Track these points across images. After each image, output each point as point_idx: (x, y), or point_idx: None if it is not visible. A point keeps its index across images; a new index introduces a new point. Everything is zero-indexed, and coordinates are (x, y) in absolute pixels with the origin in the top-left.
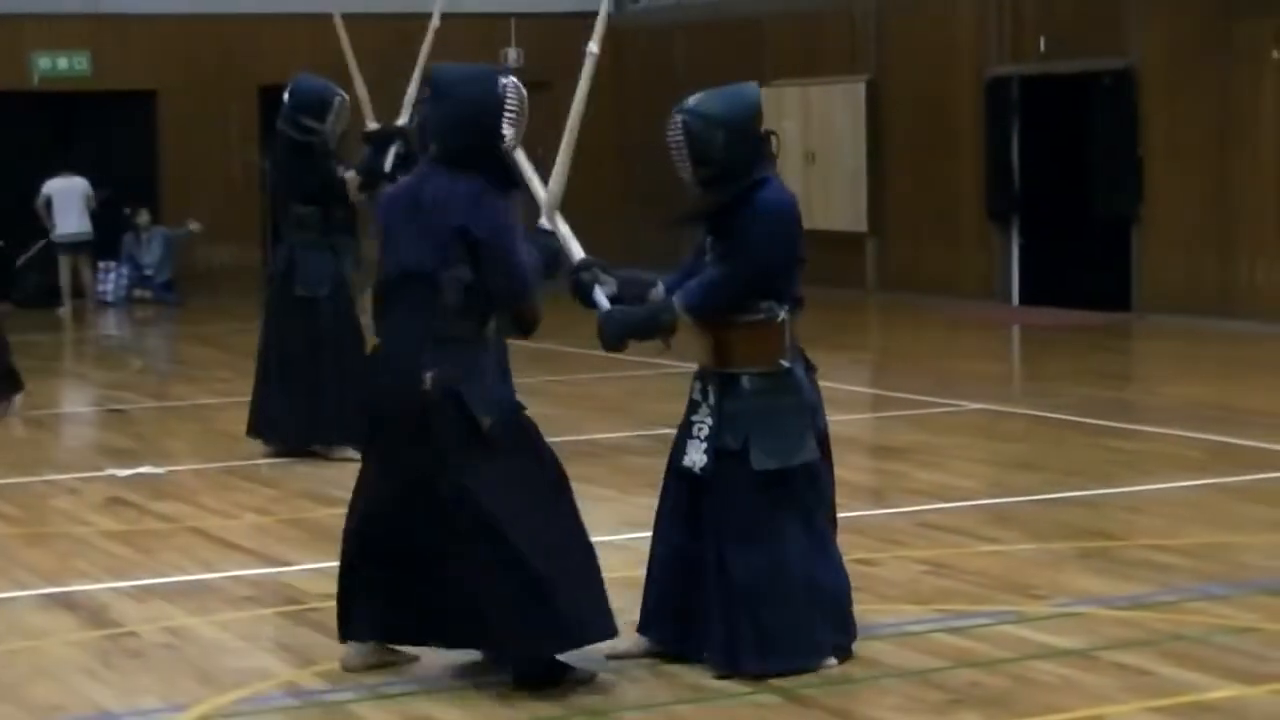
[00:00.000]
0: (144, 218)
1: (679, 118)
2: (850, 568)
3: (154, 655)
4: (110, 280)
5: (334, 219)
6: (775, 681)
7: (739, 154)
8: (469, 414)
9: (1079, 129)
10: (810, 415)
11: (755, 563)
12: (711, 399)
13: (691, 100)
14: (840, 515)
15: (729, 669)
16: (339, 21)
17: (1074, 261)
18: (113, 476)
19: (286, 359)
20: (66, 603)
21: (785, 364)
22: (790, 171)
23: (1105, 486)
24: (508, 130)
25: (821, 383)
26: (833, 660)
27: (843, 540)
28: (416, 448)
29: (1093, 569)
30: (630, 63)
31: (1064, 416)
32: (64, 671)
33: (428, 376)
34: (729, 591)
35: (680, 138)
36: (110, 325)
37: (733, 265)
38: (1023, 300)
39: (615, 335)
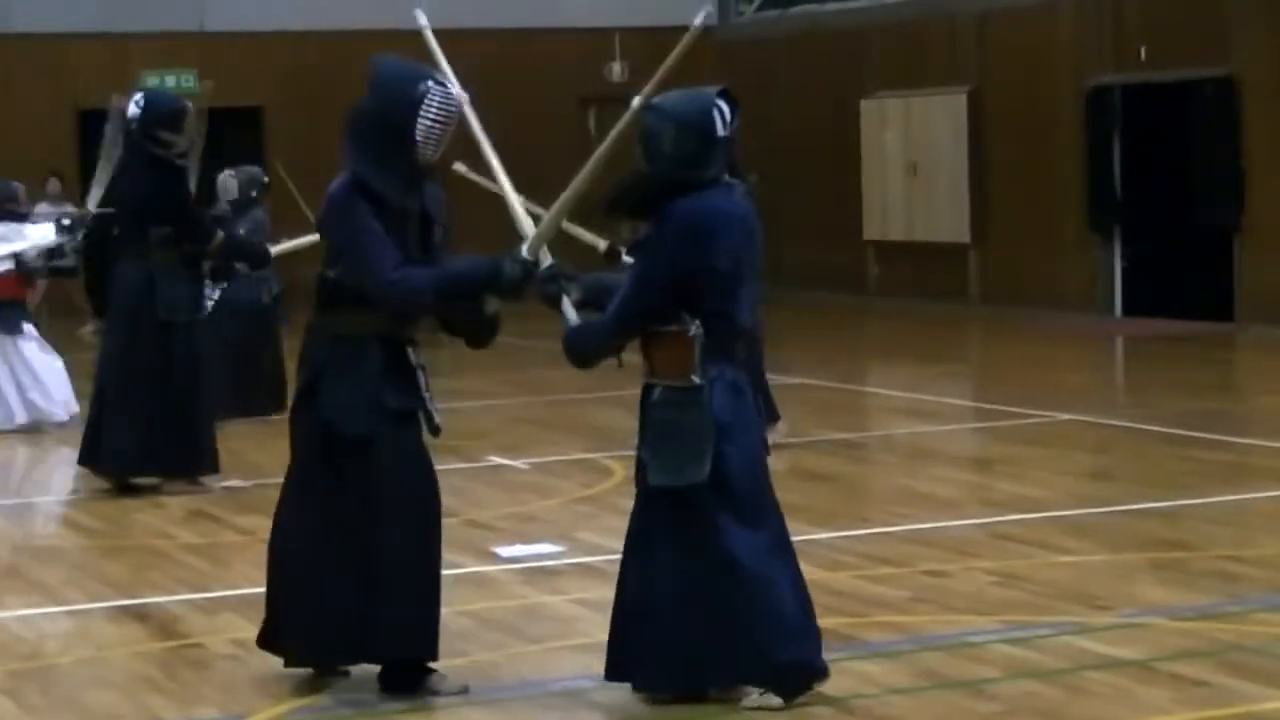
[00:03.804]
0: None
1: (645, 115)
2: (919, 579)
3: (217, 666)
4: (216, 295)
5: (187, 242)
6: (827, 691)
7: (685, 153)
8: (321, 411)
9: (1181, 138)
10: (715, 436)
11: (640, 575)
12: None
13: (658, 98)
14: (914, 526)
15: (614, 676)
16: None
17: (1176, 272)
18: (198, 490)
19: (135, 384)
20: (138, 614)
21: (695, 380)
22: (892, 182)
23: (1185, 498)
24: (421, 135)
25: (918, 395)
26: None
27: (914, 551)
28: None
29: (1162, 580)
30: (732, 74)
31: (1155, 428)
32: (126, 681)
33: (303, 372)
34: (620, 600)
35: (639, 134)
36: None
37: (637, 274)
38: (1125, 311)
39: (574, 355)
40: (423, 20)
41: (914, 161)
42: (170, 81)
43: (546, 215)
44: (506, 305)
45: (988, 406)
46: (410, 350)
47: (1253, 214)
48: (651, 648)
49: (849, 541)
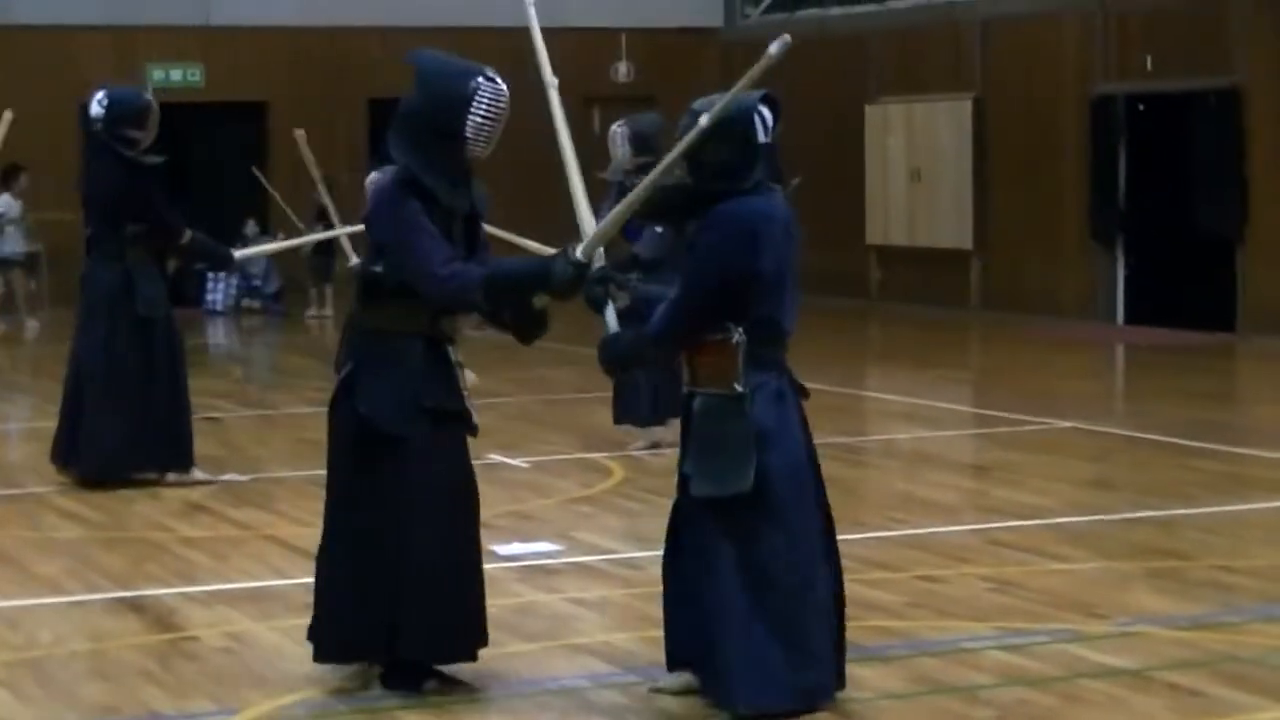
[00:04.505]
0: (251, 228)
1: (683, 122)
2: (914, 584)
3: (212, 659)
4: (219, 290)
5: (157, 239)
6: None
7: (725, 158)
8: (358, 407)
9: (1184, 148)
10: (762, 442)
11: (685, 591)
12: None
13: (698, 103)
14: (911, 531)
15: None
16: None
17: (1178, 281)
18: (197, 483)
19: (118, 381)
20: (134, 606)
21: (739, 388)
22: (895, 188)
23: (1182, 507)
24: (471, 132)
25: (918, 400)
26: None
27: (910, 556)
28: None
29: (1157, 589)
30: (736, 76)
31: (1153, 436)
32: (121, 673)
33: (344, 368)
34: (667, 603)
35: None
36: (219, 334)
37: (685, 284)
38: (1127, 320)
39: (608, 363)
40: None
41: (917, 167)
42: (176, 75)
43: (606, 218)
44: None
45: (987, 413)
46: (450, 349)
47: (1255, 224)
48: (700, 655)
49: (845, 545)
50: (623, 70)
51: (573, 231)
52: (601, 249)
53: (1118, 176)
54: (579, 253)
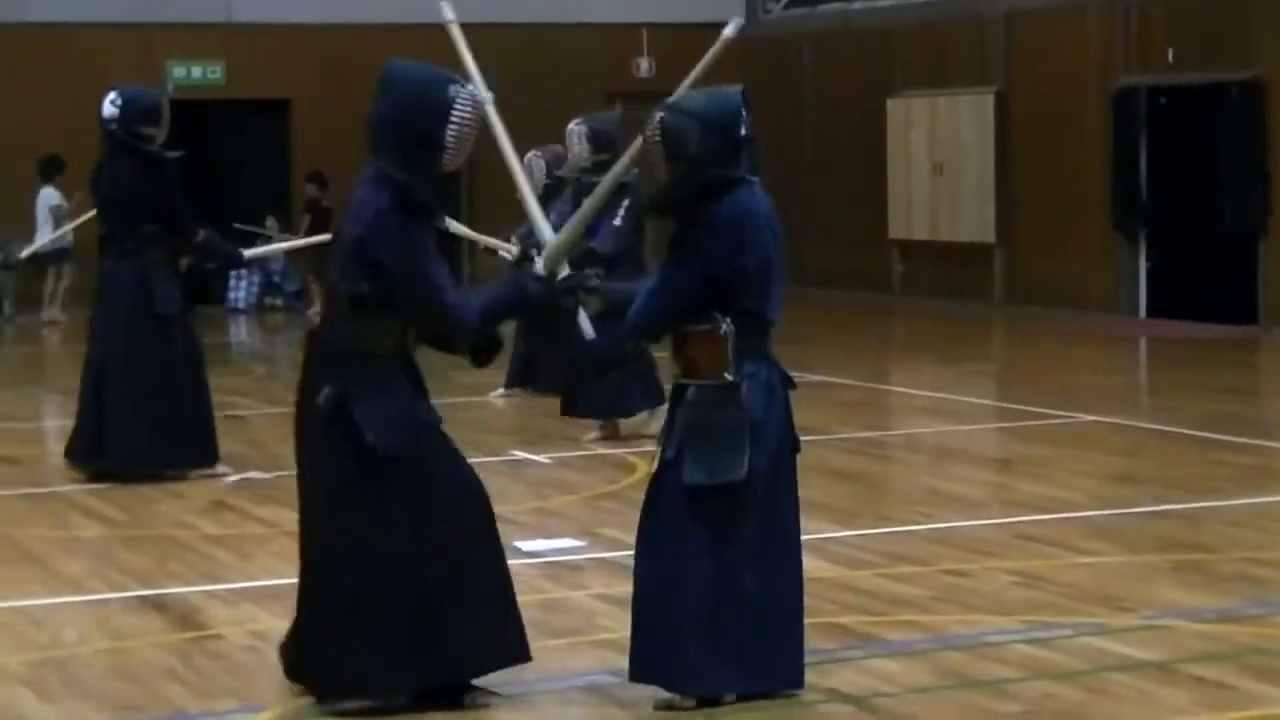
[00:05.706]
0: (271, 225)
1: (659, 114)
2: (940, 578)
3: (236, 657)
4: (241, 288)
5: (172, 237)
6: (847, 690)
7: (711, 152)
8: (357, 431)
9: (1206, 141)
10: (750, 433)
11: (656, 573)
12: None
13: (673, 97)
14: (936, 526)
15: (630, 674)
16: None
17: (1201, 274)
18: (220, 481)
19: (140, 379)
20: (158, 604)
21: (729, 377)
22: (918, 182)
23: (1208, 500)
24: (450, 142)
25: (942, 395)
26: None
27: (936, 551)
28: (312, 466)
29: (1184, 582)
30: (759, 72)
31: (1177, 430)
32: (145, 672)
33: (323, 391)
34: (635, 597)
35: (657, 135)
36: (241, 332)
37: (664, 276)
38: (1149, 313)
39: (590, 370)
40: (449, 14)
41: (939, 161)
42: (197, 73)
43: (565, 228)
44: None
45: (1011, 406)
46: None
47: (1278, 217)
48: (652, 642)
49: (871, 540)
50: (644, 65)
51: None
52: (564, 259)
53: (1139, 170)
54: (540, 267)
